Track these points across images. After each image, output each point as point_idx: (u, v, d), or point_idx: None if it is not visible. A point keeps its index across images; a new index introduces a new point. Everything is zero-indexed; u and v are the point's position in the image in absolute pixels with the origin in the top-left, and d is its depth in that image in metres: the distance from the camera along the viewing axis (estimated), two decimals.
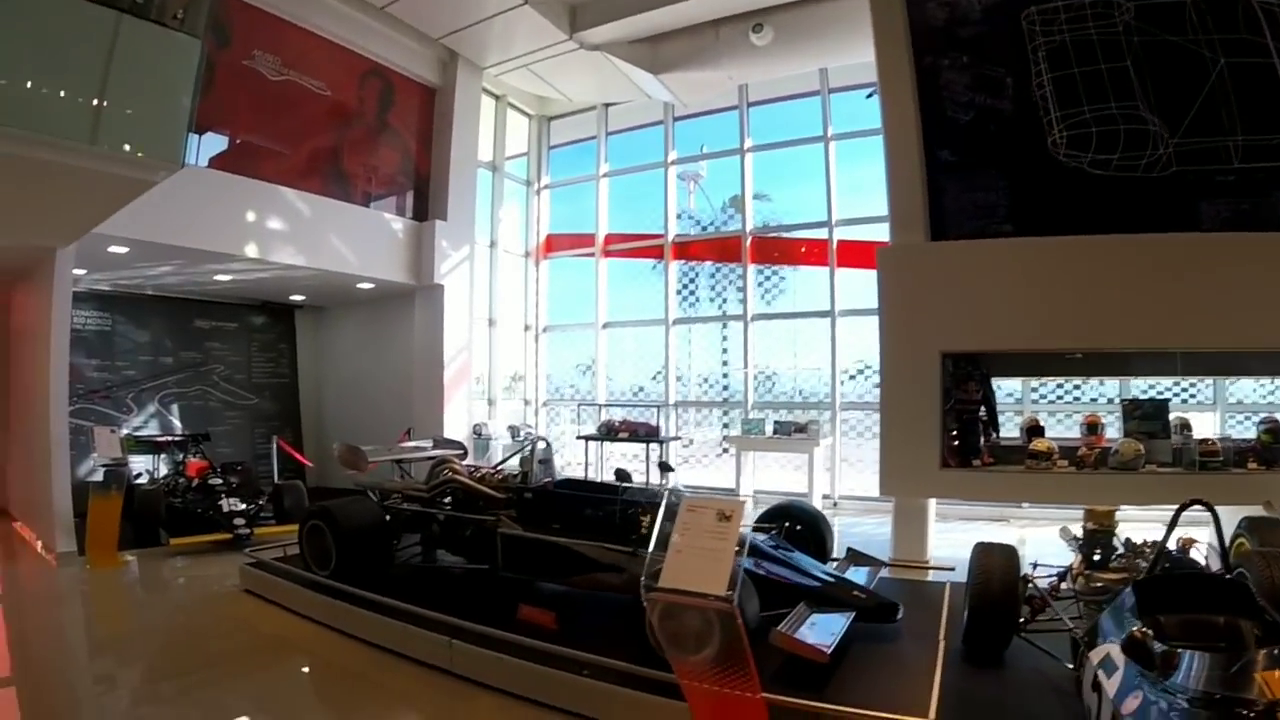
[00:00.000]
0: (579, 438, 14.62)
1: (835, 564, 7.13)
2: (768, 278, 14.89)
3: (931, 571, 8.01)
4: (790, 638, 5.12)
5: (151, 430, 13.07)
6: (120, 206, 7.70)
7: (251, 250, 11.03)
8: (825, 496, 13.26)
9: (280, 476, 12.17)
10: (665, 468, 7.22)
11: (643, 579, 4.41)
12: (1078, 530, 6.68)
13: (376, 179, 13.43)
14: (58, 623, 7.90)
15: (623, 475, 6.88)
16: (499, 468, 8.28)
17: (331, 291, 14.23)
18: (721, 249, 15.51)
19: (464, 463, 8.56)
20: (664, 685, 5.01)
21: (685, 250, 15.74)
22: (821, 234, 14.08)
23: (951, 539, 9.95)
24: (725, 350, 15.61)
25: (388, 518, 8.07)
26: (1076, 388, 11.86)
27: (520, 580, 7.16)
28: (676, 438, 14.87)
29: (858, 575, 6.79)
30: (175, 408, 13.72)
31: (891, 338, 9.06)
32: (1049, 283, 8.25)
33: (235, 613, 7.94)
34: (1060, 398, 11.94)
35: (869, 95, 12.10)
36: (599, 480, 8.44)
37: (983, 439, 9.06)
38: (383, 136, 13.44)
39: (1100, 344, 8.40)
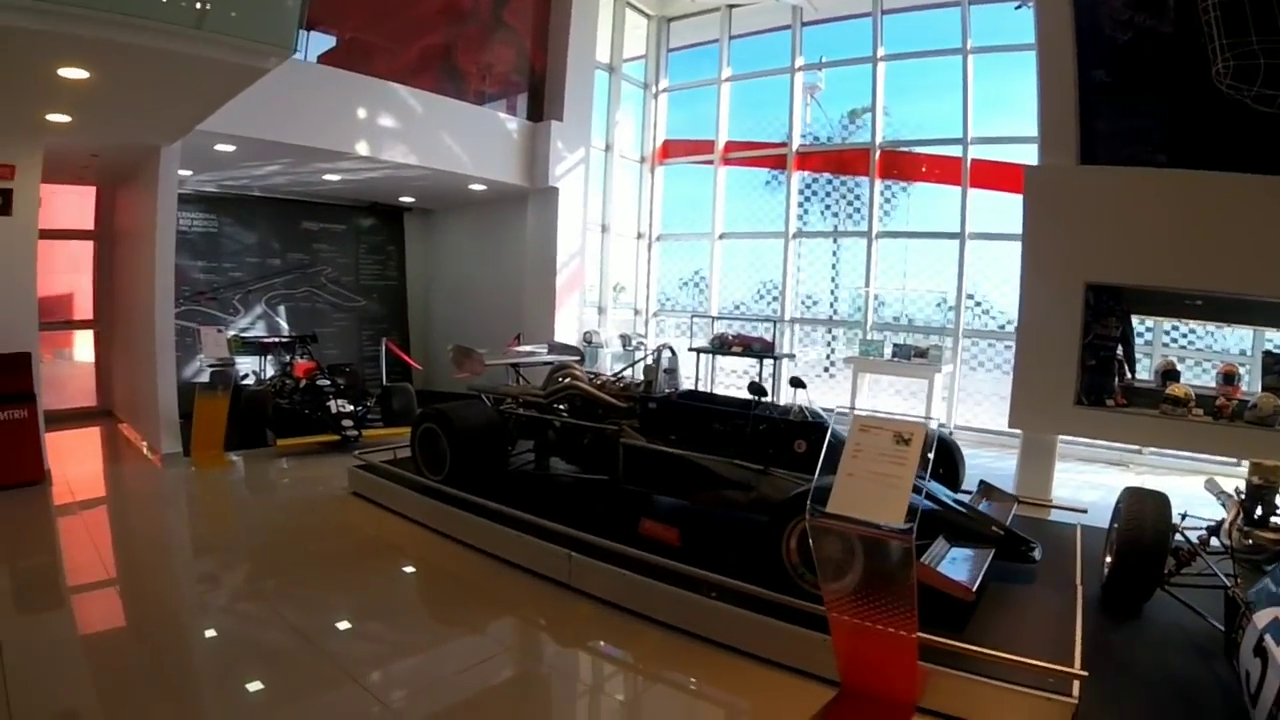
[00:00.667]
0: (690, 350, 14.12)
1: (969, 497, 6.60)
2: (894, 194, 14.14)
3: (1055, 511, 7.50)
4: (935, 572, 4.72)
5: (258, 332, 12.98)
6: (228, 98, 7.27)
7: (362, 148, 10.62)
8: (940, 425, 12.63)
9: (388, 379, 11.99)
10: (797, 383, 6.70)
11: (808, 502, 3.99)
12: (1226, 484, 6.24)
13: (491, 78, 12.91)
14: (162, 522, 7.76)
15: (758, 389, 6.41)
16: (620, 376, 7.89)
17: (442, 193, 13.87)
18: (839, 163, 14.74)
19: (583, 369, 8.18)
20: (799, 613, 4.70)
21: (806, 161, 14.96)
22: (952, 151, 13.24)
23: (1066, 479, 9.55)
24: (835, 268, 14.95)
25: (503, 422, 7.76)
26: (1209, 333, 11.07)
27: (640, 493, 6.85)
28: (791, 355, 14.34)
29: (987, 510, 6.29)
30: (282, 309, 13.61)
31: (1034, 263, 8.54)
32: (1203, 220, 7.59)
33: (342, 515, 7.76)
34: (1191, 343, 11.20)
35: (1018, 7, 11.40)
36: (723, 394, 7.96)
37: (1116, 379, 8.59)
38: (498, 34, 12.87)
39: (1252, 290, 7.66)
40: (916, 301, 13.95)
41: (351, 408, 10.41)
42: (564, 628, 5.52)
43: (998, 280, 12.97)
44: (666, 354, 7.17)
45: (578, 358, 8.75)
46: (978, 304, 13.29)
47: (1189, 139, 7.86)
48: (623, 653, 5.24)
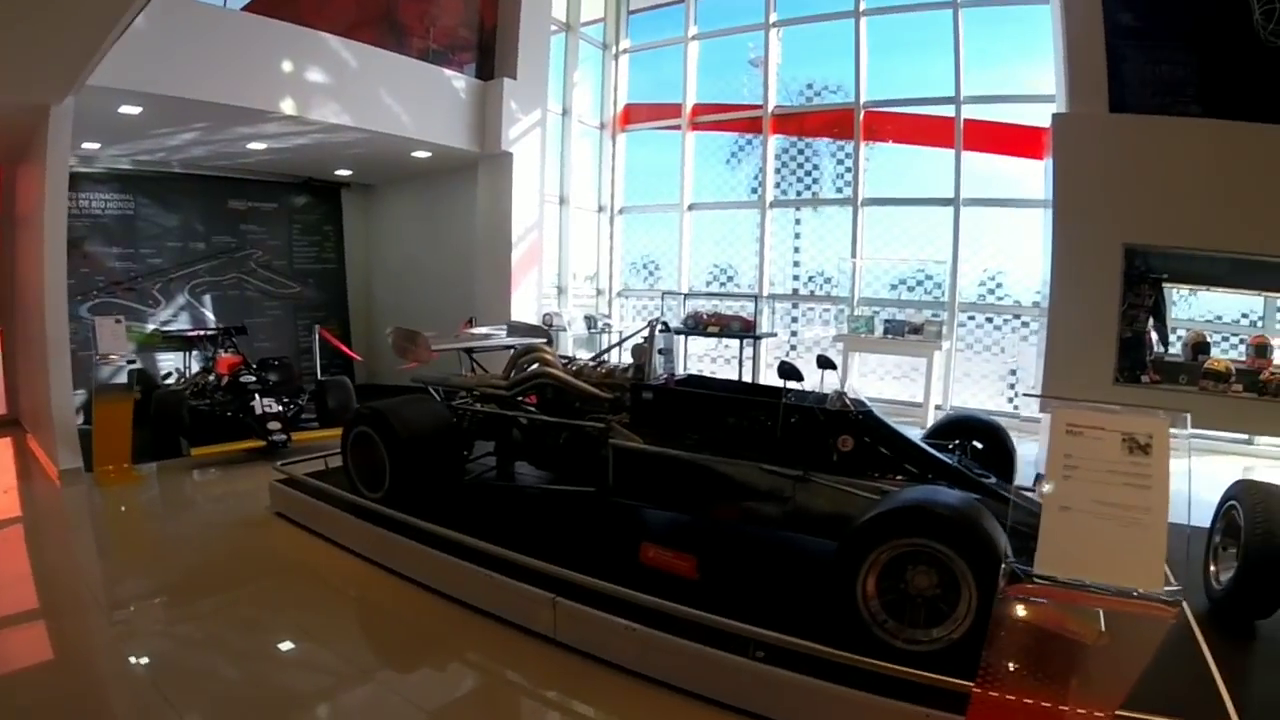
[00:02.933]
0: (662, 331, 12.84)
1: (1034, 493, 5.31)
2: (867, 158, 12.95)
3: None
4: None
5: (181, 324, 11.68)
6: (119, 19, 5.86)
7: (288, 106, 9.31)
8: (937, 408, 11.53)
9: (324, 373, 10.55)
10: (825, 363, 5.37)
11: (1005, 560, 2.62)
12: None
13: (436, 31, 11.63)
14: (40, 558, 6.23)
15: (791, 372, 5.02)
16: (601, 359, 6.49)
17: (382, 164, 12.56)
18: (799, 126, 13.60)
19: (554, 353, 6.75)
20: (881, 679, 3.53)
21: (784, 125, 13.66)
22: (944, 111, 12.08)
23: None
24: (798, 238, 13.78)
25: (457, 422, 6.32)
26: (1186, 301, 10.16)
27: (636, 507, 5.58)
28: (773, 334, 13.21)
29: None
30: (208, 298, 12.26)
31: (1066, 222, 8.11)
32: (1253, 177, 7.25)
33: (260, 542, 6.36)
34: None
35: None
36: (732, 379, 6.56)
37: (1148, 353, 8.13)
38: None
39: None
40: (873, 274, 12.98)
41: (279, 408, 9.03)
42: (550, 698, 4.18)
43: (971, 253, 12.06)
44: (660, 331, 5.78)
45: (544, 340, 7.30)
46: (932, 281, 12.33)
47: (1226, 89, 7.58)
48: None
